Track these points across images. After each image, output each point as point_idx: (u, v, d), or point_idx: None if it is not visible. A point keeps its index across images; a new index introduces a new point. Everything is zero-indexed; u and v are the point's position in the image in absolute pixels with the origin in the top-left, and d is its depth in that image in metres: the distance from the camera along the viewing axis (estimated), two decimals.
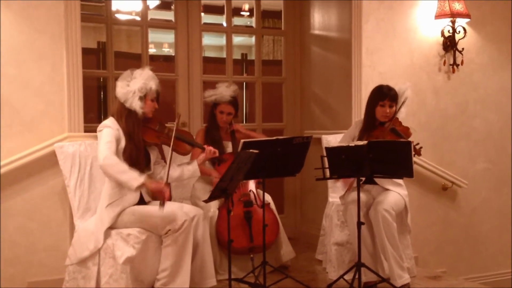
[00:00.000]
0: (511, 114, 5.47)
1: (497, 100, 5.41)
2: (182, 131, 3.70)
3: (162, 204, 3.23)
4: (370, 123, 3.99)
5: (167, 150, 3.59)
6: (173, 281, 3.30)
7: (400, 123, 3.94)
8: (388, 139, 3.80)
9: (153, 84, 3.46)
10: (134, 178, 3.22)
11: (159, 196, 3.30)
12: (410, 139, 3.73)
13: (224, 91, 4.28)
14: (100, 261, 3.38)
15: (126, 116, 3.42)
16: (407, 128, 3.89)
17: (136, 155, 3.41)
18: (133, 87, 3.40)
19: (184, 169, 3.66)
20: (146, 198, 3.57)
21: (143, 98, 3.43)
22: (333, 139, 4.43)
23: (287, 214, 5.53)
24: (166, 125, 3.64)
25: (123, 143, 3.40)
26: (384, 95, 3.91)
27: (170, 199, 3.37)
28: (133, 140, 3.42)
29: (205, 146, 3.69)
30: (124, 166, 3.25)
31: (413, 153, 3.56)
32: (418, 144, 3.73)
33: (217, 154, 3.70)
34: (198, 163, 3.67)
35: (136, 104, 3.39)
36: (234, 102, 4.30)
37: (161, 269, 3.32)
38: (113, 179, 3.31)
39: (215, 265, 3.66)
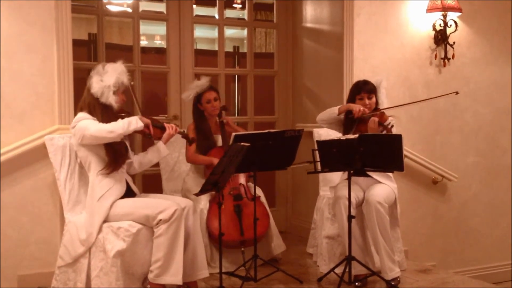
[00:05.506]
0: (502, 108, 5.50)
1: (488, 94, 5.43)
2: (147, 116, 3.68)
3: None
4: (350, 118, 4.00)
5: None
6: (165, 272, 3.29)
7: (382, 113, 3.94)
8: (371, 127, 3.83)
9: (125, 78, 3.49)
10: (133, 119, 3.36)
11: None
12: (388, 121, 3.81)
13: (199, 82, 4.33)
14: (90, 255, 3.37)
15: (101, 111, 3.43)
16: (382, 113, 3.90)
17: (118, 145, 3.44)
18: (107, 82, 3.42)
19: (149, 152, 3.68)
20: (135, 189, 3.60)
21: (115, 92, 3.45)
22: (324, 133, 4.42)
23: (278, 208, 5.54)
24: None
25: None
26: (359, 89, 4.01)
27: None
28: None
29: (164, 124, 3.65)
30: (114, 123, 3.34)
31: (383, 130, 3.71)
32: (389, 123, 3.78)
33: (178, 130, 3.68)
34: (163, 142, 3.65)
35: (112, 99, 3.42)
36: (214, 87, 4.37)
37: (153, 260, 3.31)
38: (121, 134, 3.35)
39: (206, 258, 3.66)
